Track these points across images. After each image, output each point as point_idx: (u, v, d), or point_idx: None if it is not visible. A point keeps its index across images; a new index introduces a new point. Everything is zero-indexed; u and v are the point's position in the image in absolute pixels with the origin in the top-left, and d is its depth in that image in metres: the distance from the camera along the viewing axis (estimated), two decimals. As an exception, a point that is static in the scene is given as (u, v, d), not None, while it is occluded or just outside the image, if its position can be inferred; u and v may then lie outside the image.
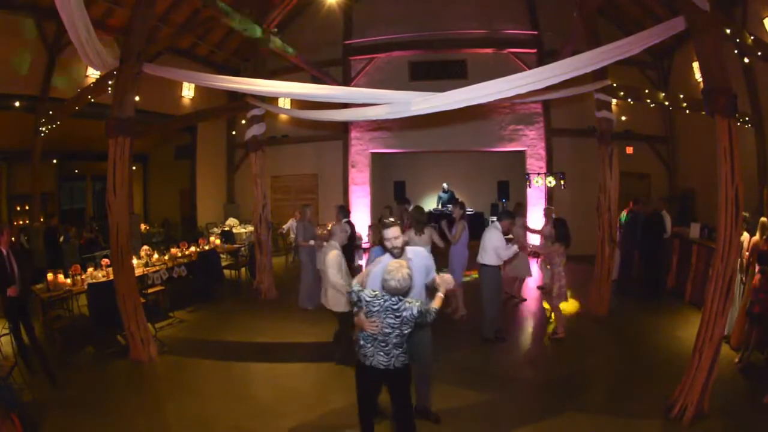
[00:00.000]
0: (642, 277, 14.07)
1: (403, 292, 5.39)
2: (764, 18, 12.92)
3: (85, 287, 10.57)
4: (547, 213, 14.32)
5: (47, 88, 15.46)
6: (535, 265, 15.51)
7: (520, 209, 14.89)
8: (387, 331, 5.43)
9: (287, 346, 10.10)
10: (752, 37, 9.39)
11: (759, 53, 9.75)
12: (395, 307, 5.39)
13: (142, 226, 19.85)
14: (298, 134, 21.99)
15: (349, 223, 12.46)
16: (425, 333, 6.61)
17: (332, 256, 8.59)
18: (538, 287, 14.45)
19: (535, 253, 11.81)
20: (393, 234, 5.95)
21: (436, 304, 5.59)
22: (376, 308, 5.41)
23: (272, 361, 9.42)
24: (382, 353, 5.51)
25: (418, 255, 6.28)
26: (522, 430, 7.11)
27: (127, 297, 9.38)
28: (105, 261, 11.48)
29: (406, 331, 5.47)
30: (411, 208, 13.21)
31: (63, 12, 8.38)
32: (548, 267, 10.72)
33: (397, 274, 5.33)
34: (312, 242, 12.82)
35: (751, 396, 7.81)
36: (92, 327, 10.68)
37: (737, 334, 9.47)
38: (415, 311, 5.35)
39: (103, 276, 11.02)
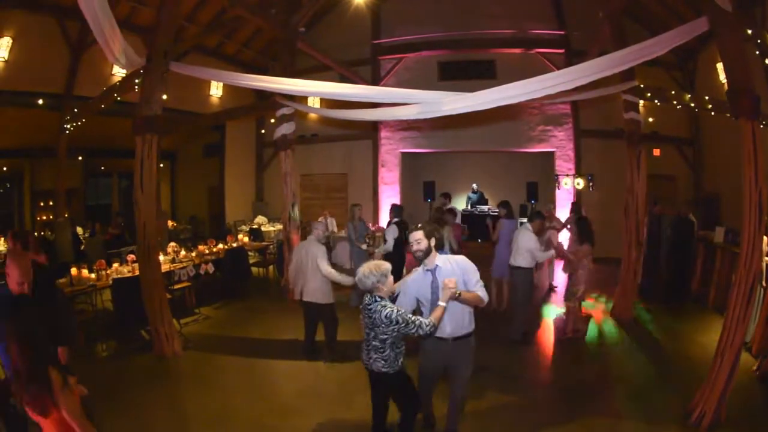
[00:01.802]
0: (667, 281, 13.94)
1: (366, 288, 5.47)
2: None
3: (110, 282, 10.67)
4: (575, 209, 14.48)
5: (71, 86, 15.68)
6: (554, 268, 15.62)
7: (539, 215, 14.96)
8: (366, 331, 5.56)
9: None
10: (773, 38, 9.33)
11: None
12: (369, 306, 5.46)
13: (170, 223, 20.00)
14: (327, 133, 22.06)
15: (400, 223, 12.37)
16: (463, 366, 6.10)
17: (320, 248, 9.23)
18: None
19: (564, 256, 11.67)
20: (415, 237, 5.79)
21: (433, 316, 5.38)
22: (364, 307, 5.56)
23: (296, 359, 9.45)
24: (364, 353, 5.72)
25: (451, 264, 5.80)
26: (537, 432, 7.14)
27: (153, 292, 9.49)
28: (131, 257, 11.56)
29: (382, 336, 5.43)
30: (447, 206, 13.29)
31: (87, 12, 8.50)
32: (576, 270, 10.58)
33: (364, 268, 5.50)
34: (363, 246, 13.04)
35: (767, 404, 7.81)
36: (116, 322, 10.81)
37: (758, 340, 9.36)
38: (383, 315, 5.29)
39: (129, 271, 11.14)
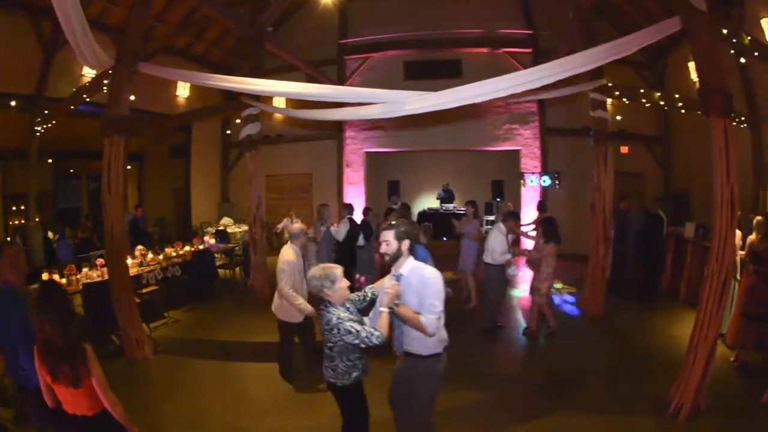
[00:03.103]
0: (636, 277, 14.08)
1: (314, 291, 5.24)
2: (762, 18, 12.95)
3: (80, 287, 10.51)
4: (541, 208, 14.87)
5: (43, 87, 15.40)
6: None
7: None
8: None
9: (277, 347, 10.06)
10: (749, 38, 9.43)
11: (756, 53, 9.79)
12: (320, 311, 5.22)
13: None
14: (292, 133, 22.03)
15: (351, 219, 12.64)
16: (415, 375, 5.42)
17: (287, 260, 8.28)
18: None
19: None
20: (384, 237, 5.27)
21: (379, 324, 4.97)
22: None
23: (267, 361, 9.33)
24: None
25: (416, 276, 5.15)
26: (515, 429, 7.14)
27: (122, 297, 9.38)
28: (100, 261, 11.42)
29: (329, 343, 5.14)
30: (398, 205, 13.34)
31: (59, 10, 8.36)
32: (540, 267, 10.70)
33: (313, 269, 5.27)
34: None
35: (747, 394, 7.87)
36: (87, 327, 10.66)
37: (733, 332, 9.50)
38: (324, 321, 5.05)
39: (98, 276, 10.99)
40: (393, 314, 5.06)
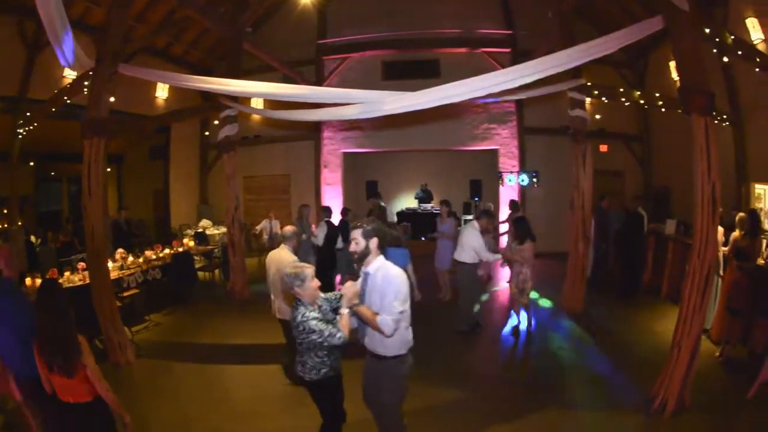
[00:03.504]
0: (617, 275, 14.18)
1: (286, 288, 5.32)
2: (746, 18, 13.03)
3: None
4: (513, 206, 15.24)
5: (26, 88, 15.19)
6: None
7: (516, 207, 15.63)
8: None
9: (262, 348, 10.07)
10: (732, 37, 9.49)
11: (740, 52, 9.86)
12: (292, 308, 5.30)
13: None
14: (270, 134, 21.91)
15: (329, 222, 12.64)
16: (380, 390, 5.49)
17: (293, 261, 8.01)
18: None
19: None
20: (352, 236, 5.33)
21: (341, 323, 5.04)
22: None
23: (248, 363, 9.42)
24: None
25: (381, 274, 5.21)
26: (498, 428, 7.13)
27: (103, 301, 9.34)
28: (81, 265, 11.33)
29: (299, 339, 5.17)
30: (380, 203, 13.42)
31: (42, 10, 8.32)
32: (522, 267, 10.65)
33: (287, 268, 5.33)
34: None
35: (733, 389, 7.94)
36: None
37: (717, 328, 9.61)
38: (292, 316, 5.15)
39: (80, 280, 10.88)
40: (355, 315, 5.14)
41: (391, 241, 8.54)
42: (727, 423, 7.05)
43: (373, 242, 5.21)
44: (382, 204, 16.46)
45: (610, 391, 8.10)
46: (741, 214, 9.93)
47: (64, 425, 5.18)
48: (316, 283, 5.26)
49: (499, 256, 10.86)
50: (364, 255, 5.26)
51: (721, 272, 9.88)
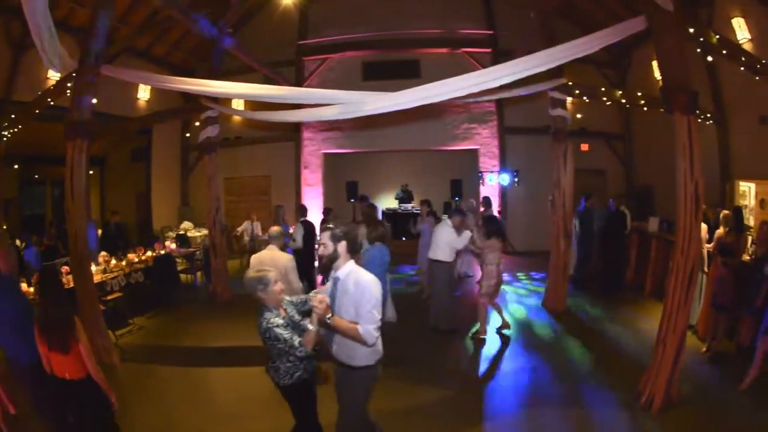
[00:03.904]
0: (601, 273, 14.27)
1: (250, 292, 5.20)
2: (732, 18, 13.18)
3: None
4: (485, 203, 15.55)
5: (11, 90, 15.05)
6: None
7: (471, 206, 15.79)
8: None
9: (244, 350, 9.98)
10: (717, 36, 9.56)
11: (724, 51, 9.93)
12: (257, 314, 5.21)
13: (100, 232, 19.61)
14: (251, 135, 21.87)
15: (305, 222, 12.61)
16: (344, 400, 5.41)
17: (290, 259, 8.25)
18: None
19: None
20: (320, 239, 5.18)
21: (306, 339, 4.89)
22: None
23: (231, 366, 9.43)
24: None
25: (352, 280, 5.01)
26: (484, 425, 7.17)
27: (87, 305, 9.30)
28: (65, 268, 11.27)
29: (268, 344, 5.12)
30: (368, 203, 13.48)
31: (28, 11, 8.30)
32: (485, 265, 10.65)
33: (249, 271, 5.32)
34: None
35: (721, 384, 8.07)
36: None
37: (703, 324, 9.75)
38: (259, 322, 5.09)
39: (64, 284, 10.85)
40: (327, 327, 4.99)
41: (376, 238, 8.77)
42: (715, 417, 7.09)
43: (342, 246, 5.03)
44: (372, 203, 16.49)
45: (596, 388, 8.12)
46: (725, 211, 10.02)
47: (61, 401, 5.94)
48: (280, 287, 5.23)
49: (467, 233, 10.71)
50: (333, 259, 5.09)
51: (706, 269, 9.98)
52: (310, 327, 4.95)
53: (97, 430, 6.07)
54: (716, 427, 6.89)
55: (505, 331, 10.84)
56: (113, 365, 9.35)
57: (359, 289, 4.90)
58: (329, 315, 4.77)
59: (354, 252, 5.12)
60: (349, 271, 5.05)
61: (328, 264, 5.09)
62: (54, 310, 5.69)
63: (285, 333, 4.93)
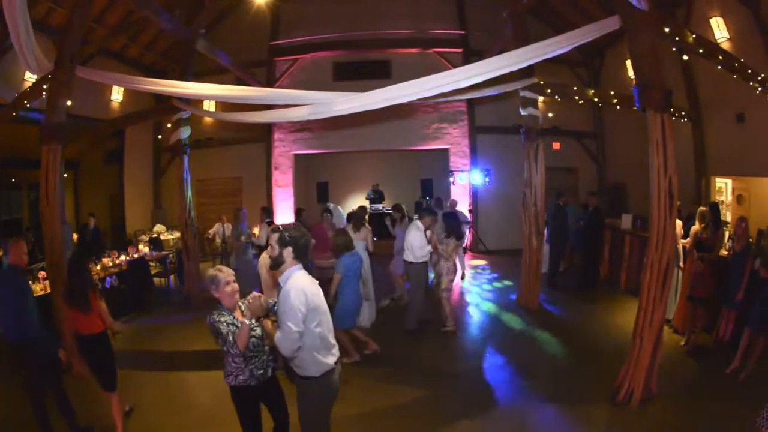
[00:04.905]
0: (574, 270, 14.50)
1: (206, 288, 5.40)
2: (711, 17, 13.35)
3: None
4: (452, 206, 15.48)
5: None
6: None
7: (439, 204, 16.04)
8: None
9: (220, 354, 9.99)
10: (693, 36, 9.67)
11: (701, 51, 10.03)
12: None
13: (75, 236, 19.47)
14: (222, 137, 21.78)
15: (271, 224, 12.47)
16: (299, 392, 5.18)
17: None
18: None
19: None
20: (269, 241, 5.03)
21: (237, 335, 5.03)
22: None
23: (208, 369, 9.31)
24: None
25: (287, 286, 4.81)
26: (465, 423, 7.21)
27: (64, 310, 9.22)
28: (42, 273, 11.19)
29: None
30: (331, 207, 13.49)
31: (7, 13, 8.35)
32: (439, 262, 10.76)
33: (208, 270, 5.44)
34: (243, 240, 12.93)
35: (700, 376, 8.23)
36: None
37: (680, 317, 9.98)
38: (208, 318, 5.18)
39: (41, 289, 10.71)
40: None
41: (340, 246, 8.96)
42: (695, 410, 7.19)
43: (287, 251, 4.91)
44: (331, 206, 16.48)
45: (574, 383, 8.22)
46: (702, 208, 10.13)
47: (82, 352, 7.40)
48: (231, 288, 5.29)
49: (429, 248, 10.72)
50: (278, 263, 4.97)
51: (681, 264, 10.15)
52: (244, 321, 5.02)
53: (109, 373, 7.36)
54: (696, 420, 6.96)
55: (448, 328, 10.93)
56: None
57: (283, 296, 4.79)
58: (259, 314, 5.07)
59: (300, 257, 4.98)
60: (288, 276, 4.90)
61: (275, 267, 5.04)
62: (80, 282, 7.16)
63: (224, 328, 5.04)
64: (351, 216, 11.99)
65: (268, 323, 5.06)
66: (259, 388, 5.37)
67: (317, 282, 5.09)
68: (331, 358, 5.02)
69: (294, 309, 4.66)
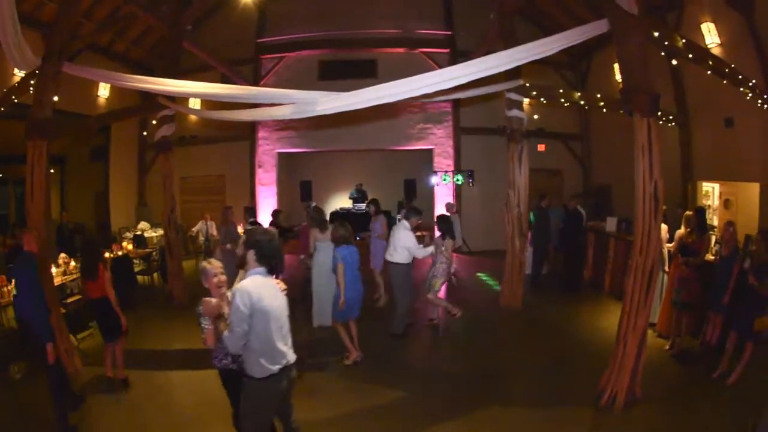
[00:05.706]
0: (558, 272, 14.53)
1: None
2: (702, 22, 13.35)
3: (12, 299, 10.07)
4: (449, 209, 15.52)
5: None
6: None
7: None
8: None
9: (202, 353, 9.95)
10: (683, 40, 9.69)
11: (690, 56, 10.06)
12: None
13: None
14: (206, 135, 21.68)
15: (255, 224, 12.60)
16: (244, 387, 5.21)
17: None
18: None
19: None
20: (241, 239, 5.30)
21: (205, 334, 5.29)
22: None
23: (191, 369, 9.35)
24: None
25: (240, 287, 4.85)
26: (449, 425, 7.20)
27: (49, 307, 9.15)
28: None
29: None
30: (313, 206, 13.43)
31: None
32: (437, 264, 10.70)
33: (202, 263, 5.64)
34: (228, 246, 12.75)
35: (685, 381, 8.27)
36: (20, 340, 10.38)
37: (664, 322, 10.02)
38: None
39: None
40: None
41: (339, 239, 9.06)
42: (680, 413, 7.23)
43: (250, 254, 5.00)
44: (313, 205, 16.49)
45: (557, 386, 8.23)
46: (688, 212, 10.17)
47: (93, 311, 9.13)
48: (218, 280, 5.46)
49: (431, 248, 10.68)
50: (242, 263, 5.18)
51: (666, 268, 10.15)
52: (205, 324, 5.23)
53: (112, 330, 8.79)
54: (680, 424, 7.00)
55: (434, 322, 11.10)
56: (75, 369, 9.22)
57: (232, 295, 4.93)
58: (213, 315, 5.13)
59: (264, 261, 5.01)
60: (246, 277, 5.02)
61: (240, 266, 5.23)
62: (92, 259, 8.61)
63: (203, 321, 5.25)
64: (314, 220, 11.74)
65: (222, 323, 5.07)
66: (237, 372, 5.40)
67: (281, 287, 5.18)
68: (275, 366, 5.02)
69: (236, 308, 4.76)
